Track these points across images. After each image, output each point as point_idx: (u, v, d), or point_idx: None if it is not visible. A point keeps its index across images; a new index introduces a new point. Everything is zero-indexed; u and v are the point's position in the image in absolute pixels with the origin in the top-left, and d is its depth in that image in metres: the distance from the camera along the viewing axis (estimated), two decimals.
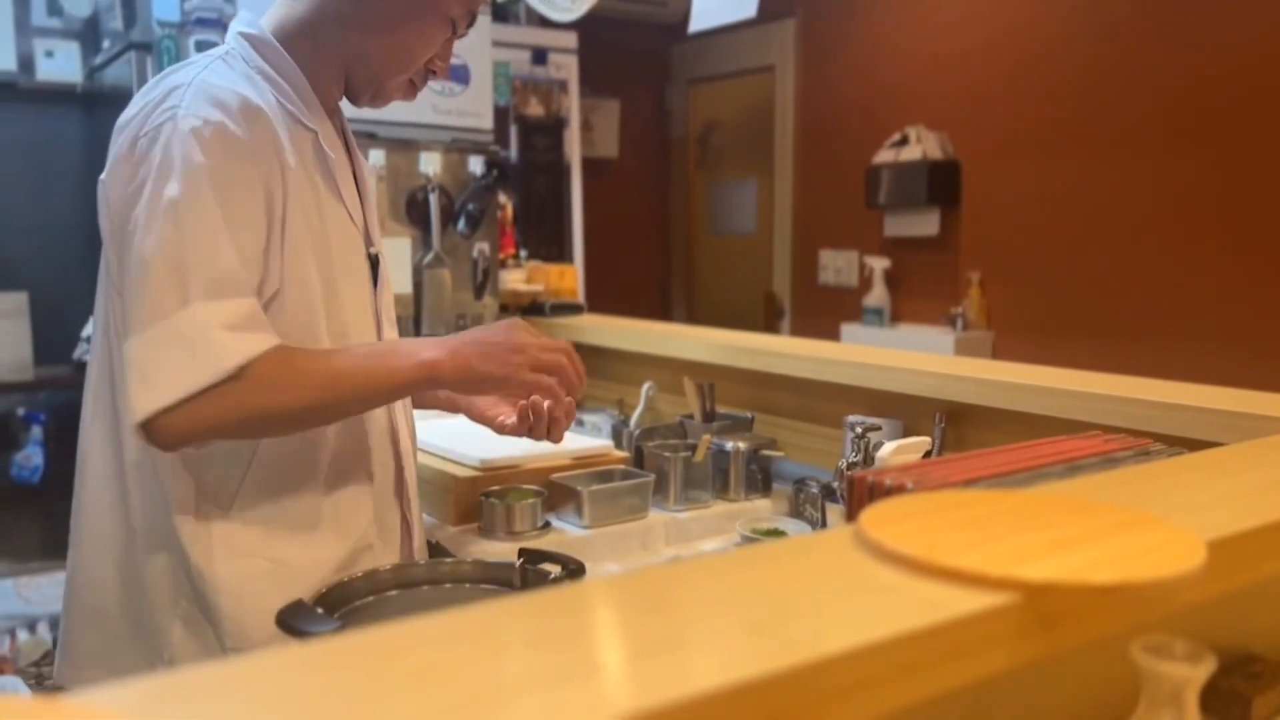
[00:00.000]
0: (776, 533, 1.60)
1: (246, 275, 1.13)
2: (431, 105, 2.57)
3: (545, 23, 3.34)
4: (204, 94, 1.15)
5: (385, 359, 1.17)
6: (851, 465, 1.61)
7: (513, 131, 3.50)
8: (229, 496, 1.19)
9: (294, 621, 0.96)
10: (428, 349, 1.16)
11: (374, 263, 1.33)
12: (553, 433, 1.32)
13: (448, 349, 1.16)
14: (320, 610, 1.00)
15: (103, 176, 1.17)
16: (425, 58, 1.30)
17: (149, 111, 1.15)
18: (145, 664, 1.20)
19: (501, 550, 1.51)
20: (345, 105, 1.36)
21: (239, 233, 1.13)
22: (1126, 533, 0.69)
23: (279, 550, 1.21)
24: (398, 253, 2.42)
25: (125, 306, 1.12)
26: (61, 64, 3.08)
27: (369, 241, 1.33)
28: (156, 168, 1.11)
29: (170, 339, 1.07)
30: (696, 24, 2.69)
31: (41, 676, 2.59)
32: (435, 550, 1.60)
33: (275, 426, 1.17)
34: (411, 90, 1.33)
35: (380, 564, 1.27)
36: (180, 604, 1.20)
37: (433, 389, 1.26)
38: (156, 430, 1.07)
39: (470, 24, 1.32)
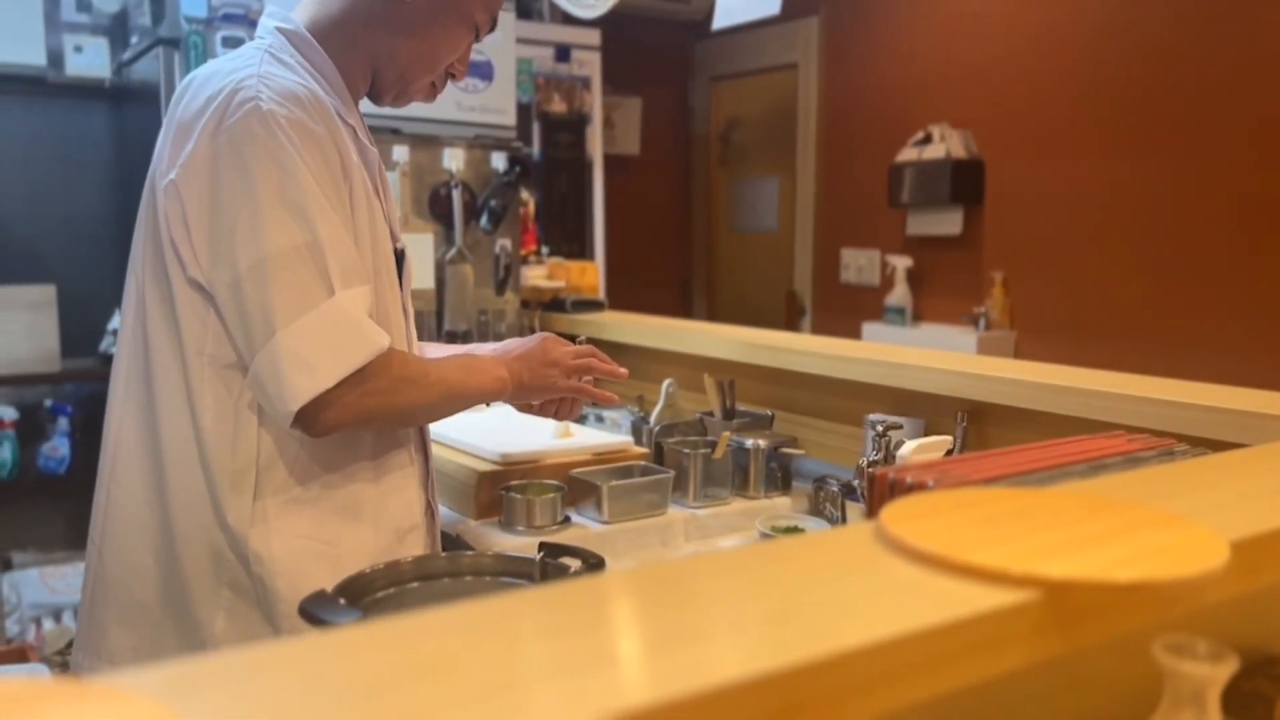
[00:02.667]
0: (796, 530, 1.60)
1: (362, 263, 1.19)
2: (455, 101, 2.58)
3: (569, 20, 3.35)
4: (277, 89, 1.16)
5: (475, 374, 1.32)
6: (872, 463, 1.60)
7: (535, 128, 3.51)
8: (281, 481, 1.21)
9: (316, 611, 0.96)
10: (498, 368, 1.34)
11: (399, 257, 1.35)
12: (572, 415, 1.49)
13: (508, 370, 1.34)
14: (342, 600, 1.01)
15: (172, 176, 1.16)
16: (449, 60, 1.33)
17: (222, 108, 1.15)
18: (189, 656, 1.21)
19: (521, 544, 1.52)
20: (365, 102, 1.38)
21: (346, 223, 1.18)
22: (1149, 531, 0.69)
23: (330, 532, 1.24)
24: (420, 248, 2.44)
25: (249, 302, 1.13)
26: (90, 59, 3.12)
27: (394, 236, 1.34)
28: (254, 163, 1.12)
29: (325, 326, 1.13)
30: (720, 21, 2.69)
31: (66, 665, 2.62)
32: (455, 544, 1.61)
33: (401, 415, 1.27)
34: (432, 92, 1.37)
35: (417, 549, 1.32)
36: (223, 594, 1.21)
37: (497, 401, 1.40)
38: (315, 416, 1.14)
39: (492, 28, 1.35)
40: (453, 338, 2.50)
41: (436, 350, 1.53)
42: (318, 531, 1.23)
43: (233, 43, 2.39)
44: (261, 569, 1.19)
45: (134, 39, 2.88)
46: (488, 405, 2.02)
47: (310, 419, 1.14)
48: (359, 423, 1.20)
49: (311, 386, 1.12)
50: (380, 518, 1.29)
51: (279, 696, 0.45)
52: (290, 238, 1.12)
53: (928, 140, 3.70)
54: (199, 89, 1.19)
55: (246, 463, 1.19)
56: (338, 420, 1.16)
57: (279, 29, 1.26)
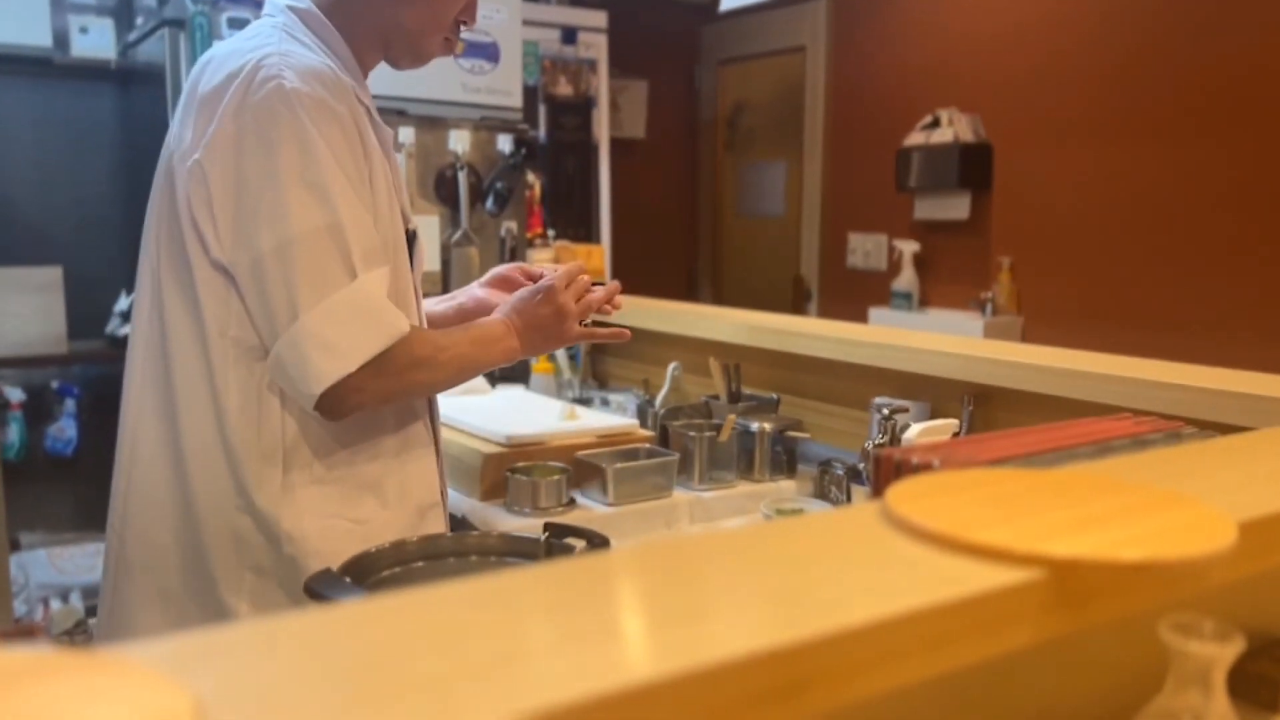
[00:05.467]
0: (800, 514, 1.60)
1: (381, 244, 1.20)
2: (461, 83, 2.57)
3: (575, 2, 3.34)
4: (299, 67, 1.16)
5: (488, 347, 1.31)
6: (878, 447, 1.60)
7: (541, 111, 3.50)
8: (307, 460, 1.22)
9: (322, 590, 0.97)
10: (509, 337, 1.32)
11: (411, 238, 1.34)
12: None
13: (520, 340, 1.33)
14: (348, 579, 1.01)
15: (198, 156, 1.15)
16: (455, 12, 1.31)
17: (245, 86, 1.14)
18: None
19: (527, 525, 1.52)
20: (372, 82, 1.37)
21: (367, 203, 1.19)
22: (1156, 512, 0.68)
23: (357, 510, 1.25)
24: (426, 230, 2.43)
25: (272, 284, 1.13)
26: (96, 40, 3.11)
27: (406, 218, 1.34)
28: (278, 142, 1.12)
29: (348, 309, 1.14)
30: (728, 3, 2.67)
31: (74, 645, 2.64)
32: (461, 525, 1.62)
33: (419, 393, 1.29)
34: (449, 46, 1.35)
35: (438, 526, 1.33)
36: (245, 577, 1.21)
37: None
38: (338, 399, 1.15)
39: None
40: None
41: (436, 305, 1.52)
42: (346, 510, 1.24)
43: (239, 24, 2.38)
44: (294, 548, 1.20)
45: (139, 20, 2.87)
46: (493, 385, 2.02)
47: (333, 402, 1.15)
48: (379, 404, 1.22)
49: (336, 370, 1.13)
50: (404, 495, 1.30)
51: (285, 668, 0.45)
52: (313, 219, 1.12)
53: (935, 124, 3.68)
54: (219, 66, 1.18)
55: (273, 443, 1.19)
56: (359, 403, 1.18)
57: (290, 7, 1.25)
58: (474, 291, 1.51)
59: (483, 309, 1.46)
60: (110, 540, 1.28)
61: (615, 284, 1.46)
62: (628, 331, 1.48)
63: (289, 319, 1.13)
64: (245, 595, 1.21)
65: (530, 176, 2.78)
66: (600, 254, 2.96)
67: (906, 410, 1.62)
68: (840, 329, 2.02)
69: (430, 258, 2.45)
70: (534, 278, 1.48)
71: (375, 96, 1.40)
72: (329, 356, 1.13)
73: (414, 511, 1.31)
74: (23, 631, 1.92)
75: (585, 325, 1.41)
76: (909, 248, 3.84)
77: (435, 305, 1.50)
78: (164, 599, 1.23)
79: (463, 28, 1.34)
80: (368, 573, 1.08)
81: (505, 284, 1.50)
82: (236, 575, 1.21)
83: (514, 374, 2.36)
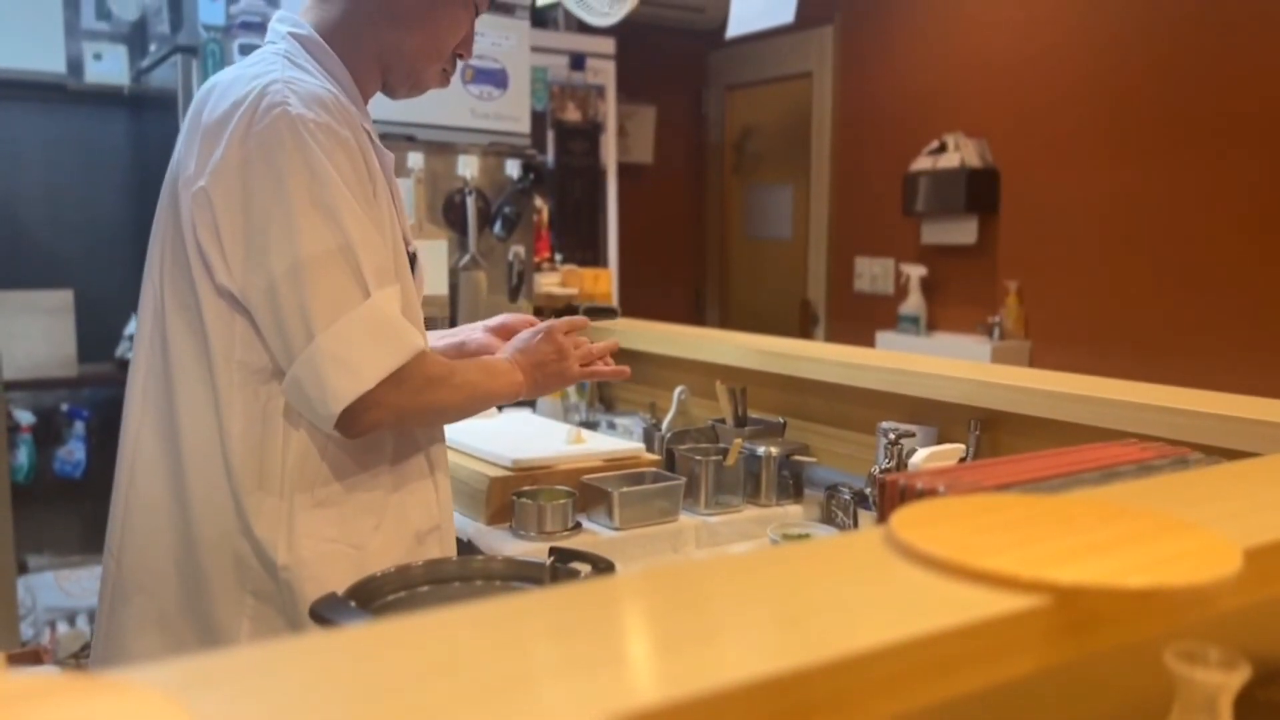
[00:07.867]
0: (807, 538, 1.59)
1: (392, 262, 1.21)
2: (470, 109, 2.59)
3: (583, 28, 3.36)
4: (302, 93, 1.17)
5: (495, 378, 1.34)
6: (884, 471, 1.60)
7: (549, 136, 3.52)
8: (308, 485, 1.22)
9: (327, 614, 0.97)
10: (514, 372, 1.36)
11: (411, 261, 1.35)
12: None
13: (524, 374, 1.36)
14: (353, 603, 1.01)
15: (202, 183, 1.16)
16: (454, 43, 1.33)
17: (250, 113, 1.15)
18: None
19: (532, 549, 1.52)
20: (381, 107, 1.38)
21: (377, 223, 1.20)
22: (1161, 538, 0.68)
23: (355, 535, 1.25)
24: (435, 254, 2.44)
25: (286, 307, 1.14)
26: (109, 66, 3.15)
27: (407, 240, 1.35)
28: (285, 167, 1.13)
29: (362, 328, 1.15)
30: (734, 29, 2.69)
31: (80, 668, 2.63)
32: (467, 549, 1.61)
33: (430, 416, 1.31)
34: (445, 78, 1.37)
35: (436, 550, 1.33)
36: (246, 601, 1.20)
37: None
38: (356, 417, 1.16)
39: (491, 3, 1.36)
40: None
41: (438, 341, 1.53)
42: (343, 535, 1.24)
43: (250, 50, 2.41)
44: (289, 574, 1.19)
45: (153, 46, 2.90)
46: (499, 409, 2.03)
47: (351, 421, 1.16)
48: (396, 422, 1.23)
49: (353, 388, 1.14)
50: (401, 521, 1.30)
51: (289, 693, 0.45)
52: (324, 241, 1.13)
53: (942, 149, 3.69)
54: (223, 94, 1.19)
55: (273, 467, 1.20)
56: (378, 420, 1.18)
57: (292, 34, 1.27)
58: (478, 335, 1.53)
59: (485, 352, 1.48)
60: (107, 564, 1.27)
61: (613, 342, 1.51)
62: (628, 369, 1.50)
63: (304, 340, 1.14)
64: (246, 618, 1.20)
65: (538, 201, 2.79)
66: (607, 278, 2.97)
67: (913, 435, 1.62)
68: (847, 353, 2.02)
69: (438, 281, 2.46)
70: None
71: (385, 122, 1.41)
72: (346, 375, 1.13)
73: (411, 537, 1.31)
74: (30, 655, 1.92)
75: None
76: (916, 272, 3.84)
77: (436, 341, 1.52)
78: (161, 622, 1.23)
79: (458, 59, 1.36)
80: (373, 597, 1.08)
81: (509, 332, 1.51)
82: (237, 598, 1.20)
83: None
